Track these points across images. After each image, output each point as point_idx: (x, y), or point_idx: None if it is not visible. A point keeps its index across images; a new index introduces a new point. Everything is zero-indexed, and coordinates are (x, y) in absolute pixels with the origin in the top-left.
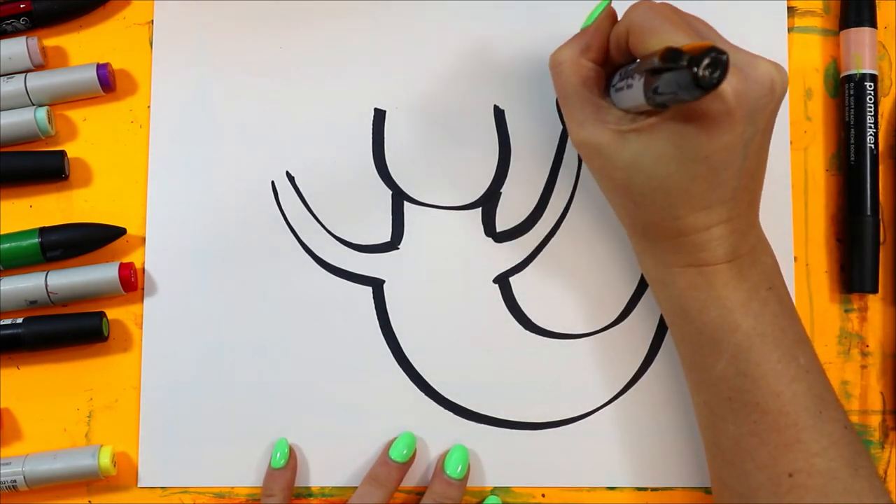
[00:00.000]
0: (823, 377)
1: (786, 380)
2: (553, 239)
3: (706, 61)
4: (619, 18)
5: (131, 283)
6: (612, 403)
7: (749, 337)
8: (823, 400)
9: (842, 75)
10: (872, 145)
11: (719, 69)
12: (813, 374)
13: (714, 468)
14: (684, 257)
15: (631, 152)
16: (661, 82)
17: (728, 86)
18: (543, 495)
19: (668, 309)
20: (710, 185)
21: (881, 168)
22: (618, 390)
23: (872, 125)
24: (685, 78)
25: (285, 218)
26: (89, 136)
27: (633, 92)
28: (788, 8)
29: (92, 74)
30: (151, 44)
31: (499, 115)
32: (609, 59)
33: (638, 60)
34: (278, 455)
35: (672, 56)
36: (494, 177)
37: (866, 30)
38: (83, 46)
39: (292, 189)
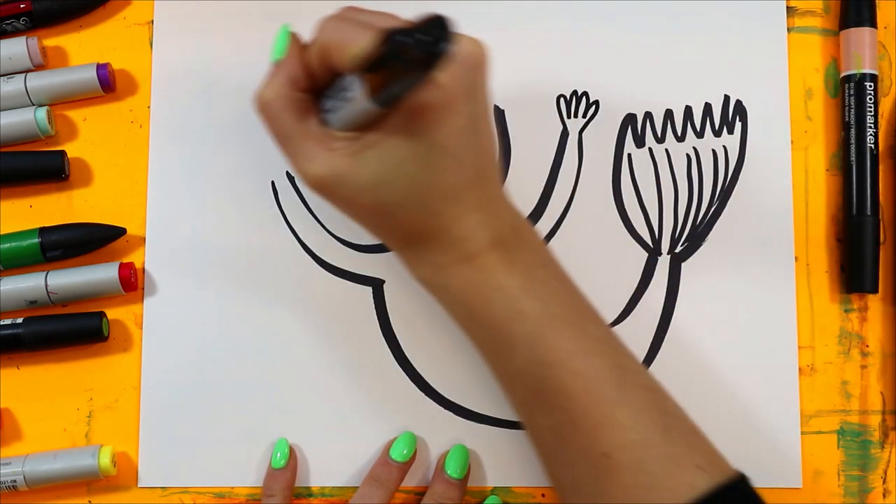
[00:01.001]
0: (617, 342)
1: (581, 356)
2: (553, 239)
3: (429, 29)
4: (305, 41)
5: (131, 283)
6: None
7: (538, 322)
8: (622, 367)
9: (842, 75)
10: (872, 145)
11: (444, 32)
12: (606, 343)
13: (545, 468)
14: (453, 254)
15: (372, 170)
16: (388, 72)
17: (438, 72)
18: (543, 495)
19: (455, 313)
20: (454, 174)
21: (881, 168)
22: None
23: (872, 125)
24: (416, 52)
25: (285, 218)
26: (89, 136)
27: (354, 104)
28: (788, 8)
29: (92, 74)
30: (151, 44)
31: (499, 115)
32: (314, 85)
33: (348, 73)
34: (278, 455)
35: (395, 36)
36: None
37: (866, 30)
38: (83, 46)
39: (292, 189)
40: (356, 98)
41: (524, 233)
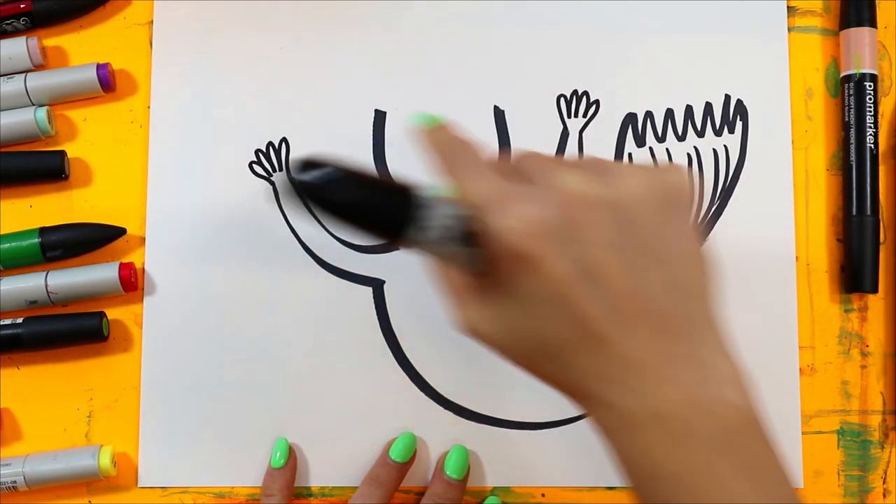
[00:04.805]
0: None
1: None
2: None
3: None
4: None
5: (131, 283)
6: None
7: None
8: None
9: (842, 75)
10: (872, 145)
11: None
12: None
13: None
14: (624, 415)
15: (498, 325)
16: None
17: (503, 223)
18: (543, 495)
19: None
20: (563, 325)
21: (881, 168)
22: None
23: (872, 125)
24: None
25: (285, 218)
26: (89, 136)
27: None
28: (788, 8)
29: (92, 74)
30: (151, 44)
31: (499, 115)
32: None
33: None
34: (278, 455)
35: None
36: None
37: (866, 30)
38: (83, 46)
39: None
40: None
41: (725, 391)
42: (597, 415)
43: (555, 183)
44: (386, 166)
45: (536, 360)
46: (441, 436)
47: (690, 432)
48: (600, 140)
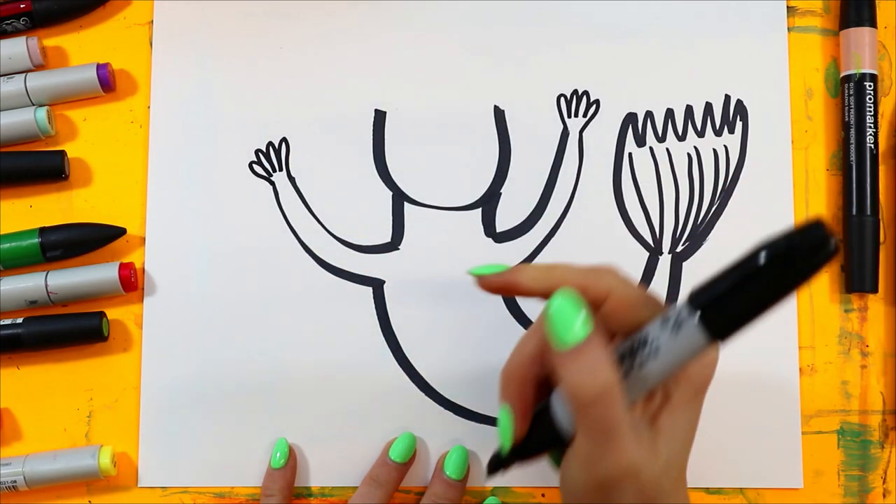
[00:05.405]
0: None
1: None
2: (553, 239)
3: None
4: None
5: (131, 283)
6: None
7: None
8: None
9: (841, 75)
10: (872, 145)
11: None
12: None
13: None
14: None
15: (664, 455)
16: (742, 297)
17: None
18: (543, 495)
19: None
20: (687, 454)
21: (881, 168)
22: None
23: (872, 125)
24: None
25: (285, 218)
26: (89, 136)
27: (662, 357)
28: (788, 8)
29: (92, 74)
30: (151, 44)
31: (499, 115)
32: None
33: (659, 317)
34: (278, 455)
35: (780, 246)
36: (494, 177)
37: (866, 30)
38: (83, 46)
39: (292, 189)
40: (667, 346)
41: None
42: None
43: None
44: (386, 165)
45: (673, 493)
46: (441, 436)
47: None
48: (600, 139)
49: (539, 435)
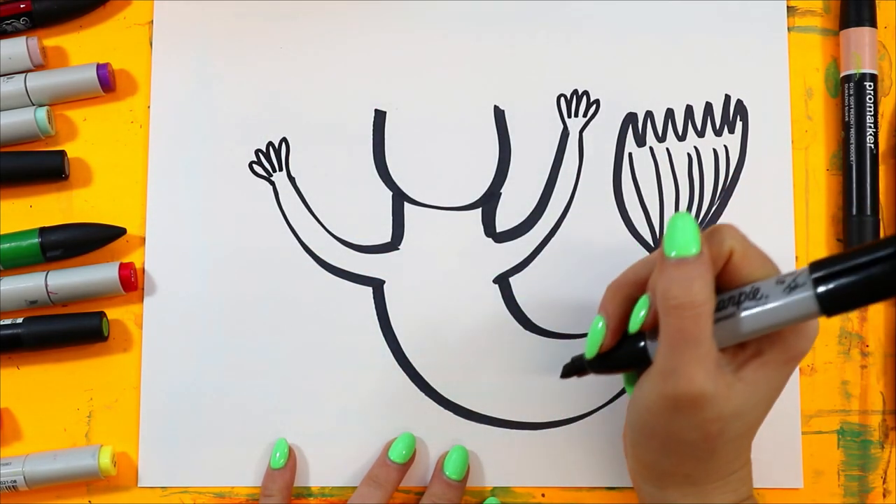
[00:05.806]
0: None
1: None
2: (553, 239)
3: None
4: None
5: (131, 283)
6: (612, 403)
7: None
8: None
9: (841, 75)
10: (872, 145)
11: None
12: None
13: None
14: (729, 495)
15: (738, 401)
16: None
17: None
18: (543, 495)
19: None
20: (761, 420)
21: (881, 168)
22: (618, 390)
23: (872, 125)
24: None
25: (285, 218)
26: (89, 136)
27: (768, 311)
28: (788, 8)
29: (92, 74)
30: (151, 44)
31: (499, 115)
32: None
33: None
34: (278, 455)
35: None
36: (494, 177)
37: (866, 29)
38: (83, 46)
39: (292, 189)
40: (776, 303)
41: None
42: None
43: None
44: (386, 165)
45: (733, 442)
46: (441, 436)
47: None
48: (600, 139)
49: (624, 351)
